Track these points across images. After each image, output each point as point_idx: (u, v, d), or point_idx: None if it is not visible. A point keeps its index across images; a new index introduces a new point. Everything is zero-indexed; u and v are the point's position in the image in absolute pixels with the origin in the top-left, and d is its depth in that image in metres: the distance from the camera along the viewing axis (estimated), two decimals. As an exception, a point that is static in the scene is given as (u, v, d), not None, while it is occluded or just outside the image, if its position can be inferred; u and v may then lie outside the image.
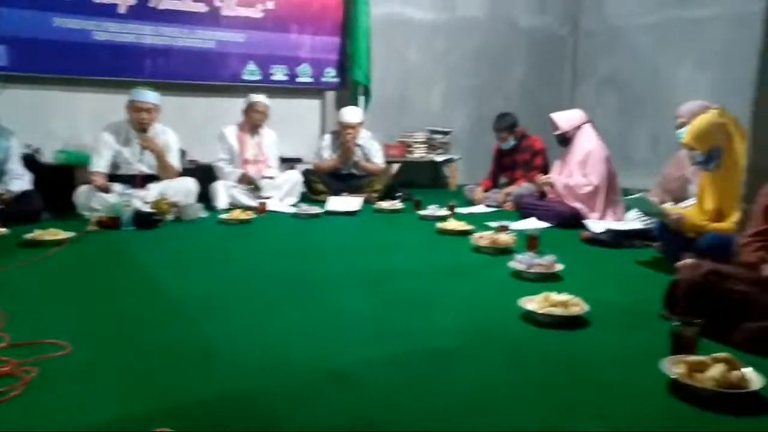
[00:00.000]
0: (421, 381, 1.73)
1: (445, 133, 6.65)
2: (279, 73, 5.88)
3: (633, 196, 3.42)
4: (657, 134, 6.36)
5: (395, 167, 6.31)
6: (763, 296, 2.00)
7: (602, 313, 2.31)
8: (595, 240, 3.70)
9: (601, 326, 2.21)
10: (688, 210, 3.26)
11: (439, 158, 6.60)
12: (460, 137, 6.80)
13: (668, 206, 3.53)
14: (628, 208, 4.04)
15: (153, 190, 4.36)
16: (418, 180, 6.57)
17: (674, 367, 1.68)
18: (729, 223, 2.87)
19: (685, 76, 6.19)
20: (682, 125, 3.50)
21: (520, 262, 2.92)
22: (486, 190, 5.35)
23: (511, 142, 5.20)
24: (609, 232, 3.65)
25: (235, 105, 5.24)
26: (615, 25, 6.96)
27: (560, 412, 1.56)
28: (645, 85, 6.62)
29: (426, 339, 2.08)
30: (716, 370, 1.60)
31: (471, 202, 5.26)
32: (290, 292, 2.61)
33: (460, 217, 4.39)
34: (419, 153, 6.55)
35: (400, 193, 5.34)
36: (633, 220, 3.76)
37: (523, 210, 4.63)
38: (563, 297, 2.26)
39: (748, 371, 1.64)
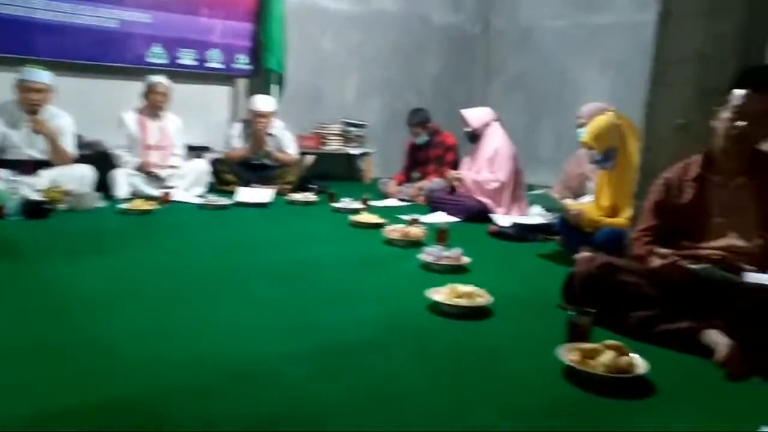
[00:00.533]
0: (328, 374, 1.71)
1: (361, 126, 6.65)
2: (187, 57, 5.63)
3: (535, 192, 3.58)
4: (561, 133, 6.67)
5: (309, 159, 6.23)
6: (650, 287, 2.14)
7: (505, 303, 2.39)
8: (501, 234, 3.83)
9: (504, 316, 2.29)
10: (586, 206, 3.44)
11: (354, 151, 6.59)
12: (375, 131, 6.82)
13: (568, 202, 3.72)
14: (531, 204, 4.22)
15: (44, 177, 4.04)
16: (332, 172, 6.53)
17: (569, 355, 1.76)
18: (623, 219, 3.06)
19: (589, 79, 6.53)
20: (582, 125, 3.69)
21: (429, 254, 2.97)
22: (399, 184, 5.40)
23: (424, 137, 5.27)
24: (514, 226, 3.79)
25: (139, 89, 4.96)
26: (525, 26, 7.23)
27: (463, 400, 1.59)
28: (551, 85, 6.93)
29: (336, 331, 2.06)
30: (607, 357, 1.70)
31: (385, 196, 5.30)
32: (196, 287, 2.51)
33: (373, 210, 4.41)
34: (334, 145, 6.51)
35: (314, 185, 5.28)
36: (536, 215, 3.93)
37: (434, 204, 4.71)
38: (468, 288, 2.32)
39: (635, 357, 1.75)
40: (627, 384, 1.67)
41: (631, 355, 1.75)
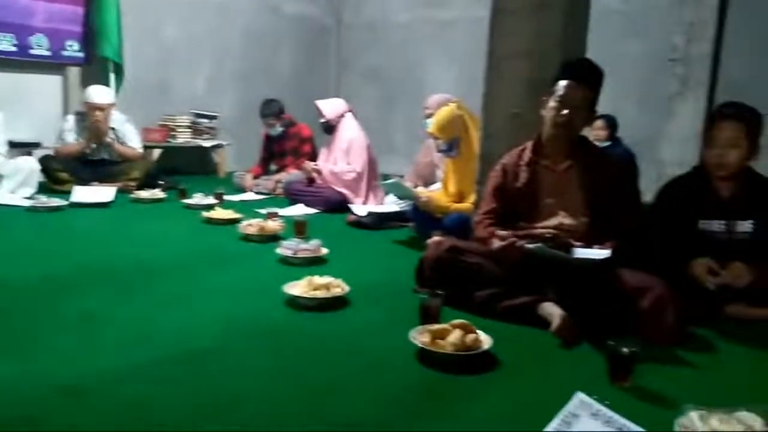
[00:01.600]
0: (168, 385, 1.59)
1: (212, 118, 6.37)
2: (5, 43, 5.01)
3: (388, 182, 3.67)
4: (413, 124, 6.91)
5: (156, 153, 5.86)
6: (493, 267, 2.28)
7: (363, 292, 2.42)
8: (360, 223, 3.88)
9: (361, 305, 2.32)
10: (435, 193, 3.60)
11: (207, 144, 6.31)
12: (228, 122, 6.58)
13: (420, 190, 3.87)
14: (387, 193, 4.32)
15: None
16: (183, 167, 6.20)
17: (420, 337, 1.82)
18: (468, 204, 3.24)
19: (436, 71, 6.82)
20: (429, 116, 3.84)
21: (287, 248, 2.93)
22: (256, 177, 5.27)
23: (279, 128, 5.18)
24: (371, 215, 3.86)
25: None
26: (372, 20, 7.37)
27: (319, 393, 1.58)
28: (402, 78, 7.15)
29: (180, 338, 1.93)
30: (454, 336, 1.78)
31: (241, 189, 5.14)
32: (23, 299, 2.24)
33: (228, 205, 4.25)
34: (184, 138, 6.18)
35: (162, 181, 4.97)
36: (392, 204, 4.03)
37: (292, 196, 4.66)
38: (325, 280, 2.32)
39: (481, 334, 1.86)
40: (474, 360, 1.77)
41: (477, 332, 1.85)
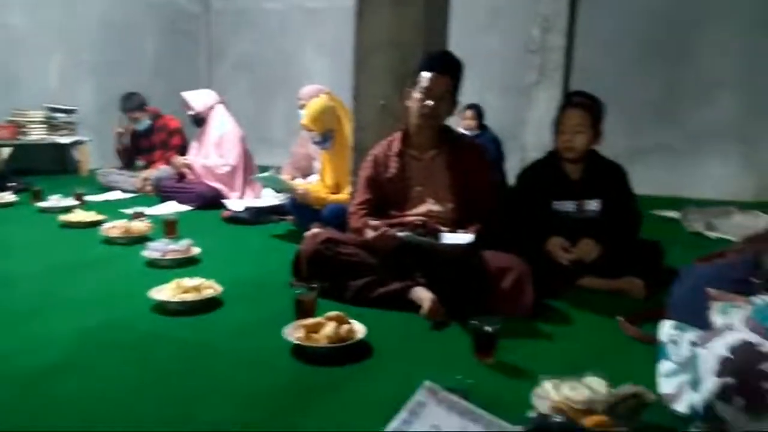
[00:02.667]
0: (10, 410, 1.46)
1: (69, 112, 5.87)
2: None
3: (263, 175, 3.60)
4: (292, 115, 6.80)
5: (5, 152, 5.31)
6: (367, 257, 2.32)
7: (238, 290, 2.36)
8: (236, 219, 3.77)
9: (236, 304, 2.26)
10: (313, 185, 3.58)
11: (65, 140, 5.82)
12: (88, 117, 6.10)
13: (298, 182, 3.83)
14: (264, 186, 4.23)
15: None
16: (38, 166, 5.67)
17: (294, 333, 1.81)
18: (345, 195, 3.25)
19: (311, 61, 6.76)
20: (302, 107, 3.80)
21: (154, 249, 2.78)
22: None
23: (145, 122, 4.88)
24: (247, 209, 3.77)
25: None
26: (244, 7, 7.14)
27: (188, 399, 1.53)
28: (277, 67, 7.01)
29: (24, 356, 1.77)
30: (329, 328, 1.79)
31: (107, 188, 4.80)
32: None
33: (90, 206, 3.95)
34: (37, 134, 5.65)
35: (12, 183, 4.52)
36: (269, 197, 3.96)
37: (163, 194, 4.42)
38: (195, 281, 2.23)
39: (355, 324, 1.88)
40: (349, 350, 1.78)
41: (351, 322, 1.87)
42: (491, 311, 2.04)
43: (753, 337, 1.28)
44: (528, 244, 2.43)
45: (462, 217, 2.39)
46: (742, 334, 1.31)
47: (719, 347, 1.32)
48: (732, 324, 1.37)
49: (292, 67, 6.86)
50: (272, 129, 6.97)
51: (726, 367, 1.28)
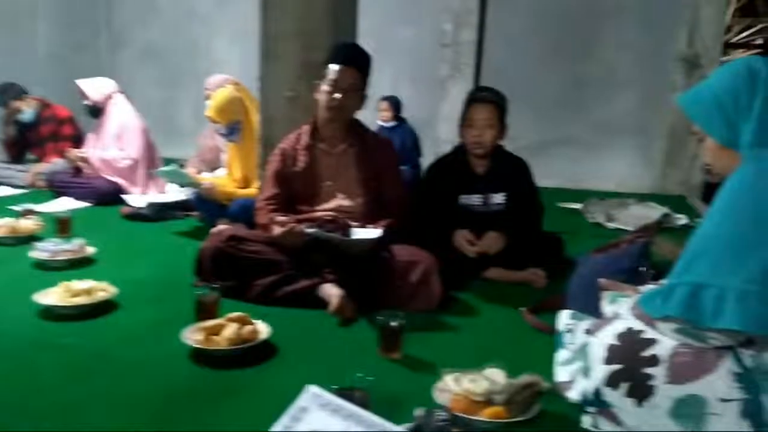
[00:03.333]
0: None
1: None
2: None
3: (164, 169, 3.43)
4: (199, 106, 6.54)
5: None
6: (275, 254, 2.25)
7: (135, 292, 2.24)
8: (137, 215, 3.57)
9: (132, 307, 2.13)
10: (220, 179, 3.46)
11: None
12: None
13: (204, 176, 3.68)
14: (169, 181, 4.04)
15: None
16: None
17: (194, 335, 1.73)
18: (254, 189, 3.15)
19: (221, 50, 6.52)
20: (209, 98, 3.65)
21: (44, 250, 2.57)
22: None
23: (28, 112, 4.49)
24: (150, 206, 3.58)
25: None
26: (147, -6, 6.79)
27: (76, 408, 1.43)
28: (185, 56, 6.71)
29: None
30: (230, 330, 1.72)
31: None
32: None
33: (-29, 204, 3.62)
34: None
35: None
36: (174, 192, 3.78)
37: (57, 189, 4.12)
38: (86, 284, 2.08)
39: (259, 324, 1.82)
40: (251, 352, 1.72)
41: (254, 323, 1.81)
42: (400, 305, 2.04)
43: (638, 325, 1.35)
44: (436, 237, 2.45)
45: (372, 211, 2.37)
46: (628, 322, 1.37)
47: (607, 335, 1.38)
48: (620, 312, 1.44)
49: (201, 56, 6.59)
50: (181, 120, 6.68)
51: (613, 354, 1.34)
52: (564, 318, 1.74)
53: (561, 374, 1.59)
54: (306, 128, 2.46)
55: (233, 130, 3.19)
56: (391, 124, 4.97)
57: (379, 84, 6.06)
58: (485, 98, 2.60)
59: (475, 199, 2.62)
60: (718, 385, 1.22)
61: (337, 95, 2.32)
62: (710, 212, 1.28)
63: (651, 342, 1.30)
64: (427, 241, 2.33)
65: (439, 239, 2.46)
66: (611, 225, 3.73)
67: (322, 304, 2.12)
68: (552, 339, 1.78)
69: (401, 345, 1.77)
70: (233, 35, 6.46)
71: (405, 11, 5.70)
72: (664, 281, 1.42)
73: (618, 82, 5.30)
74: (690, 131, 1.42)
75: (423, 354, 1.79)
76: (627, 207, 3.94)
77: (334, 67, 2.34)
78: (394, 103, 5.05)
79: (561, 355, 1.66)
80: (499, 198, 2.63)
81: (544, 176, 5.16)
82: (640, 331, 1.33)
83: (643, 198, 4.40)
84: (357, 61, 2.37)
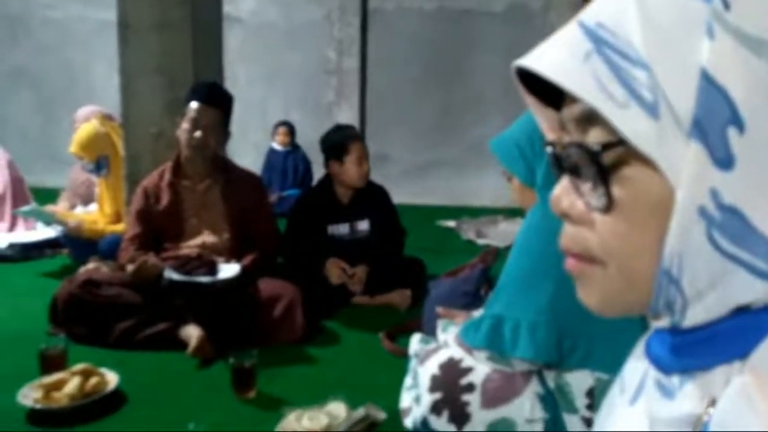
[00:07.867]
0: None
1: None
2: None
3: (25, 209, 3.27)
4: (81, 133, 6.27)
5: None
6: (133, 296, 2.20)
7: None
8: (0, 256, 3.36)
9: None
10: (90, 214, 3.33)
11: None
12: None
13: (79, 210, 3.53)
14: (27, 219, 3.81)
15: None
16: None
17: (31, 393, 1.66)
18: (124, 225, 3.07)
19: (99, 77, 6.27)
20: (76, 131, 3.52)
21: None
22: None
23: None
24: (12, 246, 3.38)
25: None
26: (15, 13, 6.43)
27: None
28: (62, 82, 6.40)
29: None
30: (72, 385, 1.66)
31: None
32: None
33: None
34: None
35: None
36: (42, 230, 3.58)
37: None
38: None
39: (106, 373, 1.78)
40: (97, 405, 1.68)
41: (101, 373, 1.76)
42: (263, 340, 2.07)
43: (458, 353, 1.45)
44: (305, 268, 2.50)
45: (240, 246, 2.39)
46: (450, 350, 1.48)
47: (432, 364, 1.48)
48: (447, 341, 1.54)
49: (79, 83, 6.31)
50: (61, 147, 6.34)
51: (435, 383, 1.43)
52: (414, 342, 1.81)
53: (404, 400, 1.67)
54: (169, 165, 2.45)
55: (101, 165, 3.09)
56: (287, 149, 5.00)
57: (272, 109, 6.09)
58: (358, 135, 2.75)
59: (342, 228, 2.70)
60: (526, 406, 1.34)
61: (197, 133, 2.33)
62: (512, 248, 1.42)
63: (468, 370, 1.41)
64: (297, 272, 2.37)
65: (309, 270, 2.51)
66: (482, 242, 3.83)
67: (183, 345, 2.10)
68: (405, 363, 1.86)
69: (255, 383, 1.79)
70: (112, 63, 6.24)
71: (292, 38, 5.75)
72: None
73: (486, 104, 5.53)
74: (502, 171, 1.56)
75: (277, 391, 1.82)
76: (497, 224, 4.16)
77: (194, 105, 2.34)
78: (290, 129, 5.08)
79: (407, 380, 1.74)
80: (364, 225, 2.72)
81: (424, 195, 5.34)
82: (460, 360, 1.44)
83: (513, 214, 4.63)
84: (217, 100, 2.40)
